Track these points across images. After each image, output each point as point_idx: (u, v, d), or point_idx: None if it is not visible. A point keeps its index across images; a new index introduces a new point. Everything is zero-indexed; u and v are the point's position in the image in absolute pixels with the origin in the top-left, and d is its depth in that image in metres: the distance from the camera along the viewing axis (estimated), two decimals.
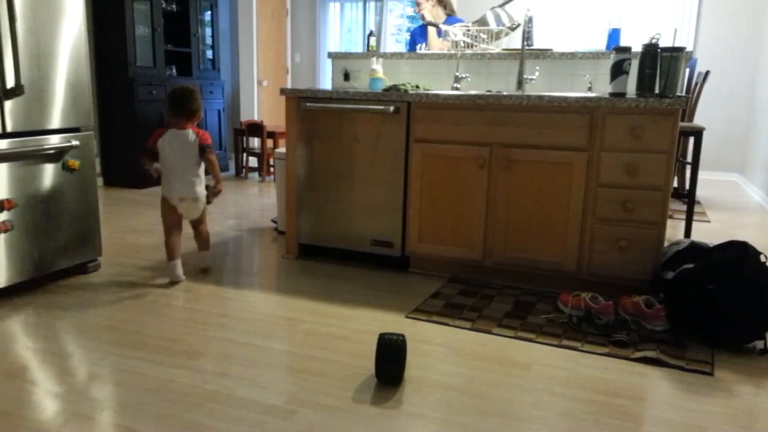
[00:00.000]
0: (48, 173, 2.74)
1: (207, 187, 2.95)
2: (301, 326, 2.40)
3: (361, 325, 2.42)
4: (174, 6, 5.84)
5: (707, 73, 4.83)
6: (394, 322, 2.46)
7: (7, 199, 2.56)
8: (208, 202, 2.97)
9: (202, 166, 2.92)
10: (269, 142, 6.07)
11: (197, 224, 3.03)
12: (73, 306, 2.57)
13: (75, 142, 2.82)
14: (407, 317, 2.52)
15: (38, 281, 2.82)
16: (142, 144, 3.02)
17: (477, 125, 2.82)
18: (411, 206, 3.03)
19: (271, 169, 6.09)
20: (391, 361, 1.92)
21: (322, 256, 3.36)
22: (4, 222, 2.56)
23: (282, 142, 5.97)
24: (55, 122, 2.76)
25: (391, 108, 2.96)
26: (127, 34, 5.18)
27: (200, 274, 3.04)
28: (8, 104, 2.54)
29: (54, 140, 2.75)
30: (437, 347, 2.23)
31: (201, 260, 3.10)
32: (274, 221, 4.06)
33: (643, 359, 2.14)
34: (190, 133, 2.87)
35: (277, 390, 1.90)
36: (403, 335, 1.96)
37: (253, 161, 6.51)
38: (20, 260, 2.65)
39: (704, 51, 6.35)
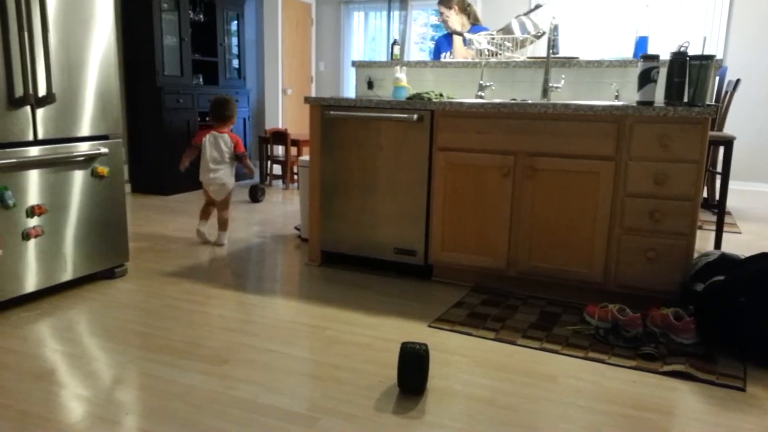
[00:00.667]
0: (77, 180, 2.79)
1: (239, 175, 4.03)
2: (324, 333, 2.40)
3: (384, 334, 2.41)
4: (201, 16, 5.94)
5: (738, 81, 4.74)
6: (416, 331, 2.45)
7: (37, 205, 2.61)
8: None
9: (233, 162, 3.80)
10: (293, 150, 6.11)
11: (221, 209, 3.81)
12: (100, 311, 2.61)
13: (104, 150, 2.87)
14: (430, 326, 2.50)
15: (66, 286, 2.87)
16: (189, 141, 4.00)
17: (501, 134, 2.81)
18: (434, 215, 3.02)
19: (295, 177, 6.13)
20: (413, 370, 1.90)
21: (344, 263, 3.36)
22: (34, 227, 2.61)
23: (306, 150, 6.01)
24: (85, 130, 2.81)
25: (415, 116, 2.95)
26: (156, 44, 5.28)
27: (214, 246, 3.74)
28: (40, 112, 2.60)
29: (83, 147, 2.80)
30: (460, 357, 2.21)
31: (218, 237, 3.80)
32: (297, 228, 4.08)
33: (671, 373, 2.10)
34: (227, 138, 3.77)
35: (300, 397, 1.90)
36: (425, 344, 1.94)
37: (277, 169, 6.56)
38: (49, 265, 2.70)
39: (734, 59, 6.23)
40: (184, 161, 3.82)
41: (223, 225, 3.81)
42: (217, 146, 3.73)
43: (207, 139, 3.73)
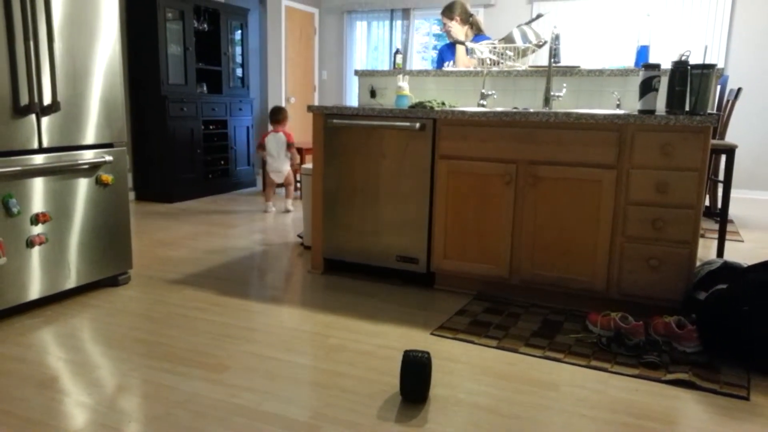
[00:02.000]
0: (82, 188, 2.81)
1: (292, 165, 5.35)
2: (327, 341, 2.40)
3: (386, 342, 2.41)
4: (205, 26, 5.98)
5: (739, 90, 4.75)
6: (419, 339, 2.45)
7: (42, 213, 2.63)
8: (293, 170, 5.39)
9: (288, 153, 5.21)
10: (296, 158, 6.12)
11: (286, 185, 5.30)
12: (104, 318, 2.62)
13: (108, 158, 2.89)
14: (432, 334, 2.50)
15: (70, 293, 2.88)
16: (259, 141, 5.36)
17: (503, 142, 2.82)
18: (436, 223, 3.02)
19: (298, 185, 6.14)
20: (416, 378, 1.90)
21: (347, 271, 3.36)
22: (38, 235, 2.62)
23: (309, 158, 6.02)
24: (89, 138, 2.83)
25: (417, 125, 2.97)
26: (160, 53, 5.31)
27: (284, 212, 5.15)
28: (45, 120, 2.62)
29: (88, 155, 2.82)
30: (463, 365, 2.21)
31: (287, 204, 5.23)
32: (300, 236, 4.09)
33: (674, 381, 2.09)
34: (281, 135, 5.16)
35: (302, 405, 1.90)
36: (428, 352, 1.94)
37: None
38: (53, 272, 2.71)
39: (736, 68, 6.25)
40: (261, 153, 5.25)
41: (289, 195, 5.29)
42: (275, 142, 5.12)
43: (268, 138, 5.14)
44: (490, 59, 3.46)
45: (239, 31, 6.42)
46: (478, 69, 3.47)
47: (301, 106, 7.42)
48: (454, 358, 2.27)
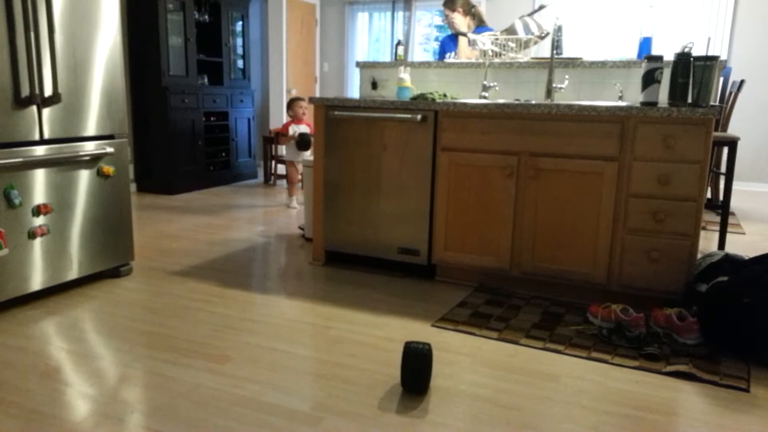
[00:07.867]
0: (83, 179, 2.81)
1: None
2: (328, 333, 2.41)
3: (388, 333, 2.42)
4: (206, 17, 5.96)
5: (742, 82, 4.73)
6: (420, 331, 2.45)
7: (43, 204, 2.63)
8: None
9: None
10: None
11: (296, 182, 5.19)
12: (106, 309, 2.62)
13: (109, 149, 2.89)
14: (433, 326, 2.50)
15: (72, 284, 2.89)
16: (280, 131, 5.36)
17: (505, 134, 2.81)
18: (438, 214, 3.02)
19: (299, 177, 6.14)
20: (417, 369, 1.91)
21: (348, 263, 3.37)
22: (40, 226, 2.63)
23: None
24: (91, 129, 2.83)
25: (419, 117, 2.96)
26: (161, 44, 5.30)
27: (290, 209, 5.06)
28: (46, 112, 2.62)
29: (89, 147, 2.82)
30: (464, 357, 2.22)
31: (292, 201, 5.14)
32: (301, 228, 4.10)
33: (675, 373, 2.10)
34: (304, 126, 5.15)
35: (304, 396, 1.90)
36: (428, 344, 1.95)
37: (281, 168, 6.56)
38: (55, 264, 2.72)
39: (739, 60, 6.22)
40: (281, 140, 5.24)
41: (293, 191, 5.22)
42: (300, 132, 5.13)
43: (292, 127, 5.13)
44: (492, 51, 3.44)
45: (240, 23, 6.39)
46: (480, 60, 3.46)
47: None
48: (454, 350, 2.27)
